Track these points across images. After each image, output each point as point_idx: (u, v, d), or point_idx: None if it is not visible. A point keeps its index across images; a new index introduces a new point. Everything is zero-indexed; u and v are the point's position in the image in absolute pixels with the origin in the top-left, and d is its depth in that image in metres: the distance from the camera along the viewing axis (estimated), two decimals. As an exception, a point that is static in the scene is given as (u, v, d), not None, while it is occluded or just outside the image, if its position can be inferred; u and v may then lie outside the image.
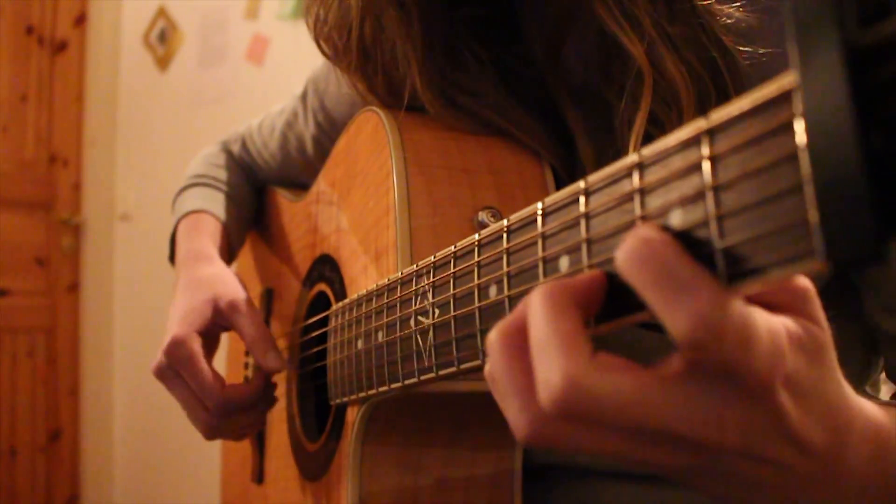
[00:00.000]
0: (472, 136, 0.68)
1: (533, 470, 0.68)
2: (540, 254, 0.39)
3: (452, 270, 0.48)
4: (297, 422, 0.84)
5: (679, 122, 0.54)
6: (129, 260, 3.23)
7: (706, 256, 0.30)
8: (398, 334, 0.55)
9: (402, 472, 0.64)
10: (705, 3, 0.55)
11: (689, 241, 0.30)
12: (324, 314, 0.75)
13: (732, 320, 0.30)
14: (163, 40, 3.15)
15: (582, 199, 0.36)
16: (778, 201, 0.27)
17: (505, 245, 0.42)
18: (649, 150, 0.33)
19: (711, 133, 0.30)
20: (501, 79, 0.69)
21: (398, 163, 0.63)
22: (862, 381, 0.65)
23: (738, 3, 0.55)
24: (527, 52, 0.69)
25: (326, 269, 0.79)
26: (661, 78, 0.55)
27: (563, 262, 0.37)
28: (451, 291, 0.48)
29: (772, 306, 0.34)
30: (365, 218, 0.69)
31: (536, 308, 0.34)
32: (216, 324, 0.79)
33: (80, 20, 3.33)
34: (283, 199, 0.99)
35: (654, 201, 0.32)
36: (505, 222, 0.43)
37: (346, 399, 0.67)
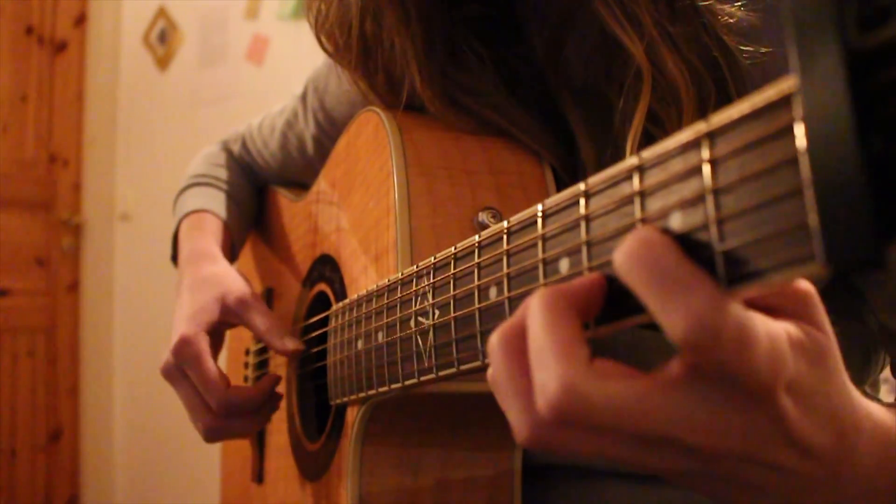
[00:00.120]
0: (472, 136, 0.68)
1: (533, 470, 0.68)
2: (540, 255, 0.39)
3: (453, 271, 0.48)
4: (297, 421, 0.84)
5: (679, 121, 0.54)
6: (129, 260, 3.23)
7: (706, 259, 0.30)
8: (398, 335, 0.56)
9: (401, 472, 0.64)
10: (707, 2, 0.55)
11: (689, 244, 0.31)
12: (324, 314, 0.75)
13: (730, 322, 0.30)
14: (163, 40, 3.15)
15: (582, 202, 0.36)
16: (778, 205, 0.27)
17: (505, 246, 0.42)
18: (649, 153, 0.33)
19: (711, 136, 0.30)
20: (502, 78, 0.69)
21: (398, 163, 0.63)
22: (862, 380, 0.65)
23: (739, 3, 0.55)
24: (528, 52, 0.69)
25: (327, 269, 0.79)
26: (662, 77, 0.55)
27: (564, 264, 0.37)
28: (452, 292, 0.48)
29: (774, 311, 0.34)
30: (365, 218, 0.69)
31: (535, 314, 0.34)
32: (224, 322, 0.80)
33: (80, 20, 3.33)
34: (284, 199, 0.99)
35: (654, 204, 0.32)
36: (505, 224, 0.43)
37: (346, 399, 0.67)
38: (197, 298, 0.80)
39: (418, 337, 0.52)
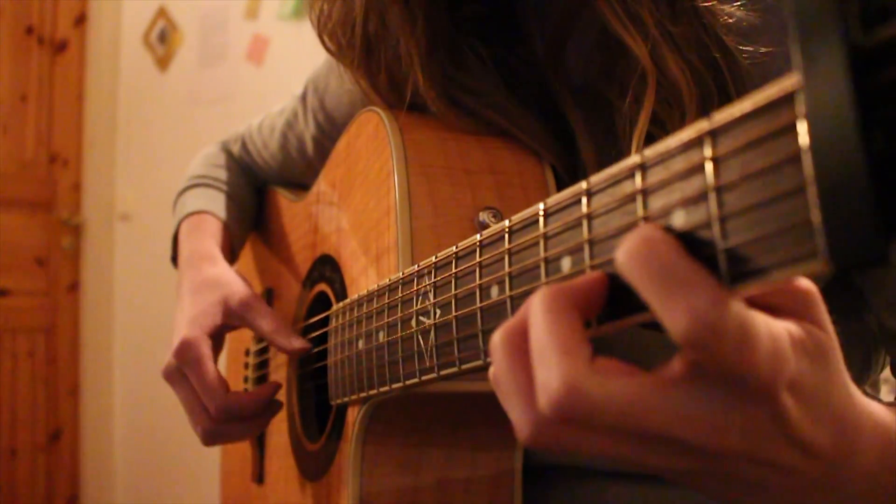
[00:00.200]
0: (472, 136, 0.68)
1: (533, 470, 0.68)
2: (542, 254, 0.39)
3: (454, 271, 0.48)
4: (297, 421, 0.84)
5: (681, 122, 0.54)
6: (129, 260, 3.23)
7: (708, 257, 0.30)
8: (399, 334, 0.56)
9: (402, 472, 0.64)
10: (707, 3, 0.55)
11: (692, 242, 0.30)
12: (325, 314, 0.75)
13: (731, 320, 0.29)
14: (163, 40, 3.15)
15: (584, 200, 0.36)
16: (780, 202, 0.27)
17: (507, 245, 0.42)
18: (651, 151, 0.33)
19: (714, 134, 0.30)
20: (503, 78, 0.69)
21: (399, 163, 0.63)
22: (862, 380, 0.65)
23: (738, 3, 0.55)
24: (528, 52, 0.69)
25: (327, 269, 0.79)
26: (664, 78, 0.55)
27: (565, 263, 0.37)
28: (453, 292, 0.48)
29: (776, 310, 0.34)
30: (366, 218, 0.69)
31: (536, 312, 0.34)
32: (226, 325, 0.80)
33: (80, 20, 3.33)
34: (284, 199, 0.99)
35: (657, 202, 0.32)
36: (507, 223, 0.43)
37: (346, 399, 0.67)
38: (199, 301, 0.80)
39: (419, 336, 0.52)
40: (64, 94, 3.26)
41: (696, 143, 0.30)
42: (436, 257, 0.51)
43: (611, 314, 0.35)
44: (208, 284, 0.82)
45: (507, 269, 0.42)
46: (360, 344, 0.63)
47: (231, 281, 0.83)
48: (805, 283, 0.35)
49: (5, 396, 3.01)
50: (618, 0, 0.56)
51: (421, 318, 0.52)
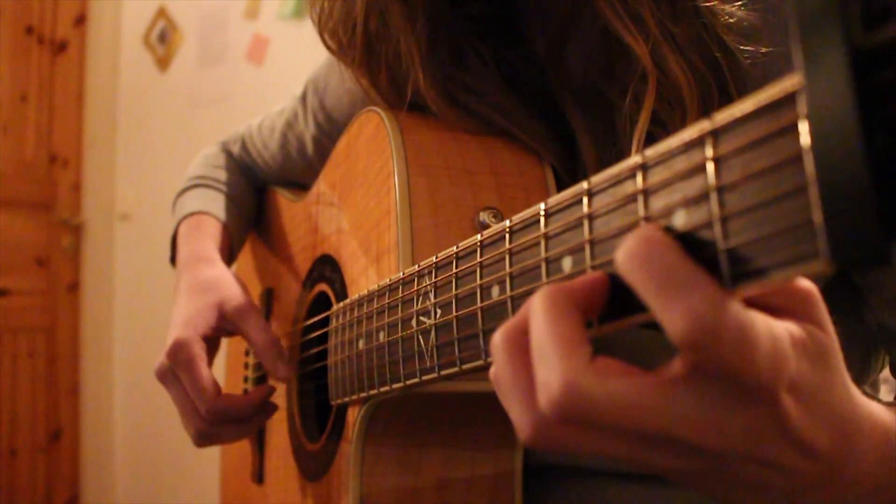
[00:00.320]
0: (473, 136, 0.68)
1: (533, 470, 0.68)
2: (543, 254, 0.39)
3: (455, 271, 0.48)
4: (297, 421, 0.84)
5: (682, 122, 0.54)
6: (129, 260, 3.23)
7: (710, 257, 0.30)
8: (400, 334, 0.55)
9: (402, 472, 0.64)
10: (709, 3, 0.55)
11: (693, 242, 0.30)
12: (325, 314, 0.75)
13: (730, 322, 0.29)
14: (163, 40, 3.15)
15: (585, 200, 0.36)
16: (782, 203, 0.27)
17: (508, 245, 0.42)
18: (653, 151, 0.33)
19: (715, 134, 0.30)
20: (504, 78, 0.69)
21: (399, 163, 0.63)
22: (862, 380, 0.65)
23: (739, 3, 0.55)
24: (530, 52, 0.69)
25: (327, 269, 0.79)
26: (665, 78, 0.55)
27: (566, 263, 0.37)
28: (454, 292, 0.48)
29: (776, 311, 0.34)
30: (366, 218, 0.69)
31: (537, 311, 0.34)
32: (220, 328, 0.79)
33: (80, 20, 3.33)
34: (284, 200, 0.99)
35: (658, 202, 0.32)
36: (508, 223, 0.43)
37: (346, 399, 0.67)
38: (194, 302, 0.80)
39: (420, 336, 0.52)
40: (64, 94, 3.26)
41: (698, 143, 0.30)
42: (436, 257, 0.51)
43: (612, 314, 0.35)
44: (205, 286, 0.82)
45: (507, 269, 0.42)
46: (361, 344, 0.63)
47: (228, 284, 0.82)
48: (805, 284, 0.35)
49: (5, 396, 3.01)
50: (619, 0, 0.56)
51: (421, 318, 0.52)
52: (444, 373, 0.50)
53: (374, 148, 0.69)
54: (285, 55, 2.70)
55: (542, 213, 0.39)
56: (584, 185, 0.37)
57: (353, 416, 0.66)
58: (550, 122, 0.68)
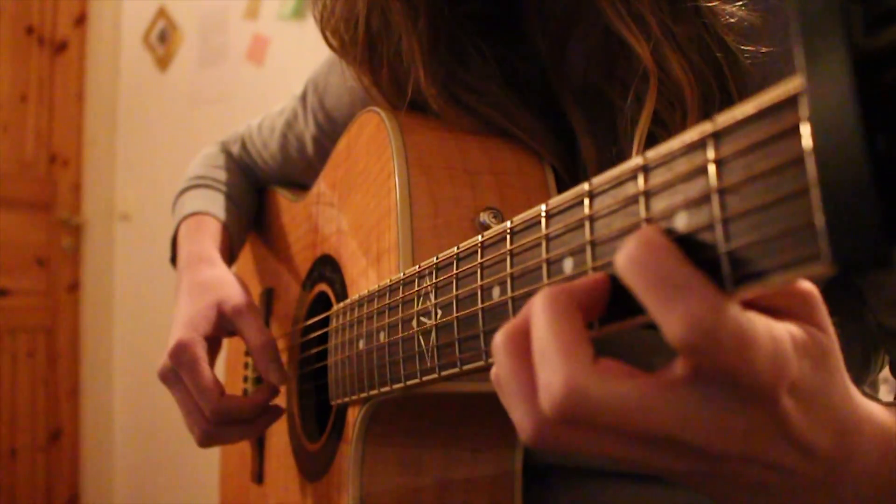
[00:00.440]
0: (473, 137, 0.68)
1: (533, 470, 0.68)
2: (544, 255, 0.39)
3: (455, 271, 0.48)
4: (297, 422, 0.84)
5: (683, 122, 0.54)
6: (129, 260, 3.23)
7: (711, 259, 0.30)
8: (400, 335, 0.55)
9: (402, 472, 0.64)
10: (710, 3, 0.55)
11: (694, 245, 0.30)
12: (325, 314, 0.75)
13: (729, 326, 0.30)
14: (163, 40, 3.15)
15: (586, 202, 0.36)
16: (783, 205, 0.27)
17: (508, 246, 0.42)
18: (654, 153, 0.33)
19: (717, 136, 0.30)
20: (504, 77, 0.69)
21: (400, 164, 0.63)
22: (861, 380, 0.65)
23: (740, 3, 0.55)
24: (530, 51, 0.69)
25: (327, 269, 0.79)
26: (666, 78, 0.55)
27: (567, 264, 0.37)
28: (454, 292, 0.48)
29: (777, 312, 0.34)
30: (366, 219, 0.69)
31: (539, 312, 0.34)
32: (221, 328, 0.80)
33: (80, 20, 3.33)
34: (284, 200, 0.99)
35: (659, 204, 0.32)
36: (508, 224, 0.43)
37: (347, 399, 0.67)
38: (195, 303, 0.80)
39: (420, 337, 0.52)
40: (64, 94, 3.26)
41: (699, 145, 0.30)
42: (437, 258, 0.51)
43: (613, 315, 0.35)
44: (205, 286, 0.82)
45: (508, 269, 0.42)
46: (361, 344, 0.63)
47: (228, 284, 0.82)
48: (806, 285, 0.35)
49: (5, 396, 3.01)
50: None
51: (422, 318, 0.52)
52: (444, 373, 0.50)
53: (375, 148, 0.69)
54: (285, 55, 2.70)
55: (543, 214, 0.39)
56: (586, 186, 0.37)
57: (354, 416, 0.66)
58: (551, 122, 0.68)
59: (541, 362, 0.34)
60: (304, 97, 0.92)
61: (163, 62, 3.14)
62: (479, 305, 0.45)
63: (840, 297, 0.51)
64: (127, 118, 3.29)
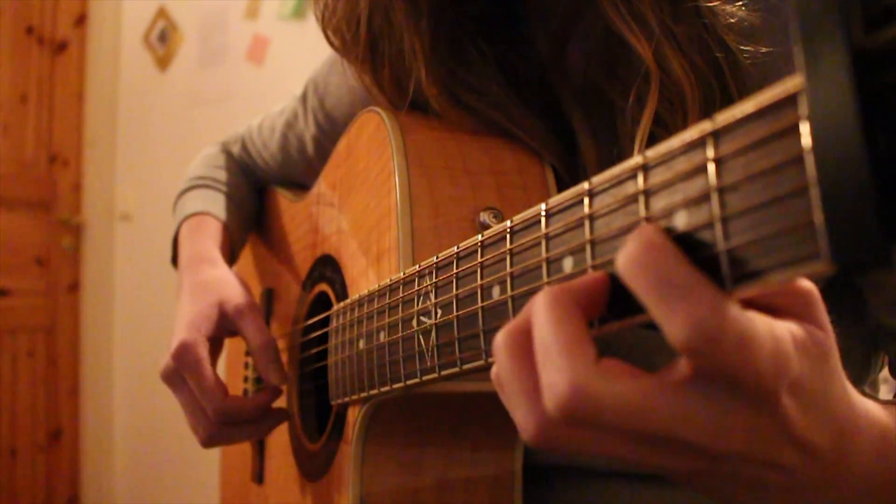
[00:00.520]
0: (473, 137, 0.68)
1: (533, 470, 0.68)
2: (543, 255, 0.39)
3: (455, 271, 0.48)
4: (297, 422, 0.84)
5: (683, 122, 0.54)
6: (129, 260, 3.23)
7: (710, 258, 0.30)
8: (400, 334, 0.56)
9: (402, 472, 0.64)
10: (710, 3, 0.55)
11: (694, 243, 0.31)
12: (325, 314, 0.75)
13: (730, 327, 0.30)
14: (163, 40, 3.15)
15: (586, 201, 0.36)
16: (783, 203, 0.27)
17: (508, 246, 0.42)
18: (654, 152, 0.33)
19: (716, 135, 0.30)
20: (505, 77, 0.69)
21: (400, 164, 0.63)
22: (861, 380, 0.65)
23: (741, 3, 0.55)
24: (531, 51, 0.70)
25: (328, 269, 0.79)
26: (667, 78, 0.55)
27: (567, 263, 0.37)
28: (454, 292, 0.48)
29: (776, 311, 0.34)
30: (366, 219, 0.69)
31: (540, 312, 0.34)
32: (222, 328, 0.80)
33: (80, 20, 3.33)
34: (284, 200, 0.99)
35: (659, 203, 0.32)
36: (508, 223, 0.43)
37: (347, 399, 0.67)
38: (197, 303, 0.80)
39: (420, 336, 0.52)
40: (64, 94, 3.26)
41: (699, 143, 0.31)
42: (437, 257, 0.51)
43: (614, 314, 0.35)
44: (207, 287, 0.82)
45: (508, 269, 0.42)
46: (361, 344, 0.63)
47: (229, 284, 0.83)
48: (805, 284, 0.36)
49: (5, 396, 3.01)
50: None
51: (422, 318, 0.52)
52: (444, 373, 0.50)
53: (375, 148, 0.69)
54: (285, 55, 2.70)
55: (543, 213, 0.40)
56: (585, 185, 0.37)
57: (354, 416, 0.66)
58: (551, 122, 0.68)
59: (544, 362, 0.34)
60: (304, 97, 0.92)
61: (163, 62, 3.14)
62: (479, 305, 0.45)
63: (840, 297, 0.51)
64: (127, 118, 3.29)
